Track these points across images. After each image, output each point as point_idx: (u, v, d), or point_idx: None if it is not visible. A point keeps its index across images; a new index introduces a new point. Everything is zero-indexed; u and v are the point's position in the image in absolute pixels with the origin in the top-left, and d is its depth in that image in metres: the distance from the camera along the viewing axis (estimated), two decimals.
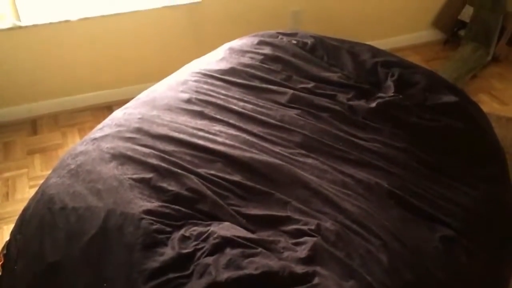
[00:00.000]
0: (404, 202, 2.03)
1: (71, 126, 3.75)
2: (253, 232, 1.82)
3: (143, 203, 1.84)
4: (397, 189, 2.07)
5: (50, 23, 3.57)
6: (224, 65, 2.73)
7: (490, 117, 2.63)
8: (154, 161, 2.03)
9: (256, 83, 2.61)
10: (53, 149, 3.54)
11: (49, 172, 2.17)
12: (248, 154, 2.11)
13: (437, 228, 1.96)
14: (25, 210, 2.03)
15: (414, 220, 1.97)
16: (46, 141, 3.62)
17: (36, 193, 2.06)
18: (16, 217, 2.06)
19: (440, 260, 1.84)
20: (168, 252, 1.68)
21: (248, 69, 2.69)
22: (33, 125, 3.78)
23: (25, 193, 3.14)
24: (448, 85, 2.68)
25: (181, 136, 2.17)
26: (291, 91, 2.57)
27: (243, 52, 2.87)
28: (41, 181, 2.14)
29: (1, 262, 1.97)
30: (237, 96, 2.49)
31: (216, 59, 2.82)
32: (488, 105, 3.76)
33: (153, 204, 1.84)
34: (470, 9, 4.48)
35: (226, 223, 1.82)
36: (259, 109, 2.41)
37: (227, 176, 2.01)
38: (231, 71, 2.68)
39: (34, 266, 1.83)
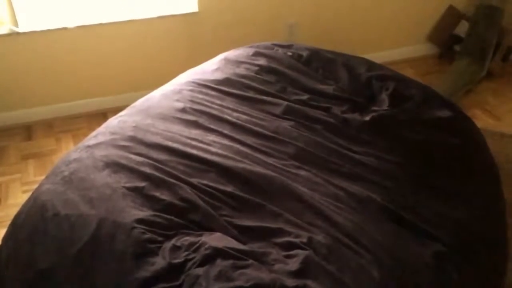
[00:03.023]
0: (396, 216, 2.03)
1: (66, 132, 3.75)
2: (244, 243, 1.81)
3: (135, 212, 1.83)
4: (389, 203, 2.07)
5: (48, 30, 3.58)
6: (219, 75, 2.73)
7: (484, 133, 2.63)
8: (147, 170, 2.03)
9: (251, 94, 2.61)
10: (47, 155, 3.53)
11: (42, 177, 2.16)
12: (241, 165, 2.10)
13: (429, 243, 1.96)
14: (17, 216, 2.02)
15: (406, 235, 1.97)
16: (40, 147, 3.61)
17: (29, 199, 2.05)
18: (9, 222, 2.05)
19: (431, 277, 1.83)
20: (159, 262, 1.67)
21: (243, 80, 2.70)
22: (27, 130, 3.78)
23: (18, 198, 3.12)
24: (443, 100, 2.68)
25: (175, 145, 2.17)
26: (286, 102, 2.57)
27: (238, 62, 2.87)
28: (35, 187, 2.13)
29: None
30: (231, 107, 2.50)
31: (211, 69, 2.82)
32: (482, 120, 3.77)
33: (145, 213, 1.83)
34: (466, 24, 4.50)
35: (218, 234, 1.81)
36: (253, 120, 2.42)
37: (220, 187, 2.01)
38: (226, 81, 2.68)
39: (24, 273, 1.81)
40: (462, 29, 4.53)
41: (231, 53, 3.01)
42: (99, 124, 2.46)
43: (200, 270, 1.65)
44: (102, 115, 3.88)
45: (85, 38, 3.70)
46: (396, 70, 2.94)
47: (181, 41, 3.97)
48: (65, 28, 3.61)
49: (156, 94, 2.61)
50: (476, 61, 4.29)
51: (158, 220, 1.82)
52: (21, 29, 3.52)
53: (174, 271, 1.66)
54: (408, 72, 4.00)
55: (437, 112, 2.58)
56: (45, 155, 3.53)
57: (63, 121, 3.87)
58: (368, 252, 1.82)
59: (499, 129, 3.67)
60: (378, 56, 4.26)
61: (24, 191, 3.18)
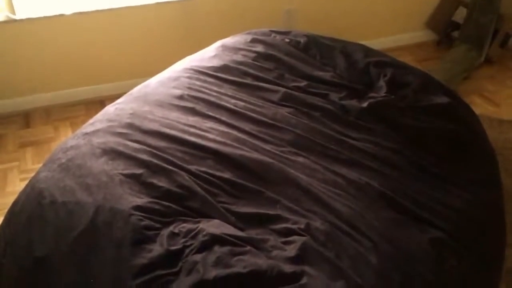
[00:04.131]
0: (394, 203, 2.02)
1: (64, 120, 3.74)
2: (242, 230, 1.81)
3: (132, 199, 1.83)
4: (388, 190, 2.07)
5: (45, 17, 3.56)
6: (216, 62, 2.72)
7: (482, 119, 2.63)
8: (145, 157, 2.02)
9: (249, 81, 2.61)
10: (45, 143, 3.52)
11: (40, 165, 2.16)
12: (239, 152, 2.10)
13: (428, 230, 1.95)
14: (14, 203, 2.02)
15: (405, 222, 1.96)
16: (38, 135, 3.60)
17: (26, 186, 2.05)
18: (6, 210, 2.05)
19: (429, 263, 1.82)
20: (156, 249, 1.68)
21: (240, 67, 2.69)
22: (25, 118, 3.77)
23: (16, 186, 3.12)
24: (441, 87, 2.68)
25: (173, 132, 2.17)
26: (284, 89, 2.57)
27: (236, 49, 2.87)
28: (32, 174, 2.13)
29: None
30: (229, 94, 2.49)
31: (209, 56, 2.81)
32: (480, 106, 3.77)
33: (142, 200, 1.83)
34: (464, 10, 4.48)
35: (216, 221, 1.81)
36: (251, 106, 2.41)
37: (218, 174, 2.01)
38: (224, 68, 2.68)
39: (21, 260, 1.81)
40: (460, 15, 4.51)
41: (229, 40, 3.00)
42: (97, 112, 2.45)
43: (198, 257, 1.65)
44: (100, 103, 3.87)
45: (82, 25, 3.68)
46: (394, 57, 2.93)
47: (178, 28, 3.95)
48: (62, 15, 3.59)
49: (154, 81, 2.61)
50: (474, 48, 4.29)
51: (156, 207, 1.82)
52: (18, 16, 3.50)
53: (172, 258, 1.66)
54: (406, 59, 3.99)
55: (435, 98, 2.57)
56: (43, 142, 3.53)
57: (61, 108, 3.85)
58: (367, 238, 1.82)
59: (497, 115, 3.67)
60: (376, 43, 4.25)
61: (22, 179, 3.17)
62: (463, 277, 1.87)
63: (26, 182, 2.15)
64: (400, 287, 1.71)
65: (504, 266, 2.13)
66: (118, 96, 2.59)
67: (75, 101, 3.92)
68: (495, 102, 3.88)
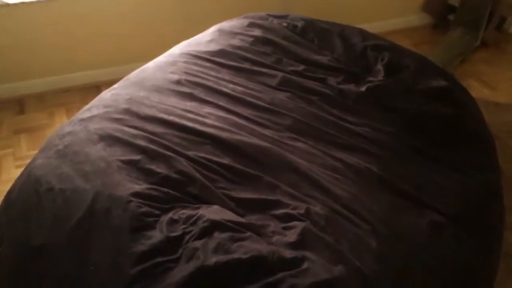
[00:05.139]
0: (393, 187, 2.03)
1: (59, 106, 3.71)
2: (242, 216, 1.81)
3: (131, 185, 1.82)
4: (386, 174, 2.07)
5: (38, 1, 3.52)
6: (214, 47, 2.71)
7: (479, 102, 2.63)
8: (142, 142, 2.01)
9: (246, 66, 2.59)
10: (40, 129, 3.50)
11: (35, 152, 2.14)
12: (237, 137, 2.09)
13: (426, 213, 1.96)
14: (10, 191, 2.00)
15: (403, 205, 1.97)
16: (33, 121, 3.58)
17: (22, 173, 2.03)
18: (1, 198, 2.03)
19: (428, 246, 1.83)
20: (156, 235, 1.67)
21: (238, 51, 2.68)
22: (20, 104, 3.74)
23: (11, 173, 3.10)
24: (438, 70, 2.68)
25: (170, 118, 2.16)
26: (281, 73, 2.56)
27: (233, 34, 2.85)
28: (28, 161, 2.11)
29: None
30: (227, 78, 2.48)
31: (205, 40, 2.80)
32: (477, 90, 3.76)
33: (141, 187, 1.82)
34: None
35: (215, 207, 1.81)
36: (249, 91, 2.40)
37: (217, 159, 2.00)
38: (221, 52, 2.66)
39: (19, 249, 1.80)
40: None
41: (226, 24, 2.98)
42: (93, 98, 2.43)
43: (198, 243, 1.64)
44: (96, 88, 3.84)
45: (76, 8, 3.64)
46: (391, 40, 2.92)
47: (174, 12, 3.93)
48: None
49: (150, 66, 2.59)
50: (470, 31, 4.28)
51: (155, 193, 1.81)
52: (10, 0, 3.46)
53: (171, 244, 1.65)
54: (403, 42, 3.95)
55: (432, 82, 2.57)
56: (38, 129, 3.51)
57: (55, 94, 3.83)
58: (366, 222, 1.83)
59: (494, 98, 3.67)
60: (372, 26, 4.21)
61: (17, 166, 3.16)
62: (463, 261, 1.87)
63: (21, 169, 2.13)
64: (399, 270, 1.72)
65: (503, 249, 2.13)
66: (114, 81, 2.57)
67: (70, 86, 3.90)
68: (492, 86, 3.88)
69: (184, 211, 1.77)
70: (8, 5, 3.45)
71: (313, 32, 2.92)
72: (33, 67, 3.76)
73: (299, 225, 1.76)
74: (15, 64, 3.69)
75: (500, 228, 2.13)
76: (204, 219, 1.71)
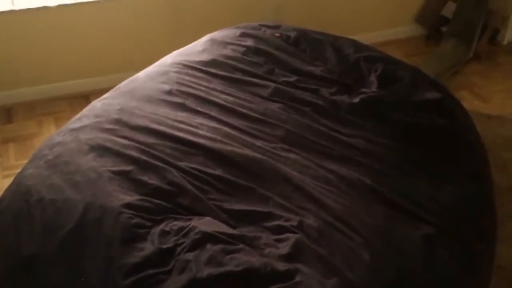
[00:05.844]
0: (386, 199, 2.02)
1: (47, 115, 3.68)
2: (234, 227, 1.80)
3: (122, 196, 1.81)
4: (379, 185, 2.06)
5: (28, 9, 3.50)
6: (205, 57, 2.70)
7: (471, 114, 2.64)
8: (133, 153, 2.00)
9: (238, 76, 2.59)
10: (28, 138, 3.46)
11: (24, 161, 2.13)
12: (229, 148, 2.08)
13: (419, 225, 1.95)
14: (0, 201, 1.98)
15: (396, 217, 1.96)
16: (21, 130, 3.55)
17: (12, 184, 2.02)
18: None
19: (421, 258, 1.83)
20: (148, 247, 1.66)
21: (230, 61, 2.67)
22: (7, 113, 3.70)
23: None
24: (431, 82, 2.69)
25: (162, 128, 2.15)
26: (274, 84, 2.56)
27: (225, 43, 2.84)
28: (16, 171, 2.10)
29: None
30: (218, 89, 2.47)
31: (197, 50, 2.79)
32: (469, 102, 3.76)
33: (132, 198, 1.81)
34: (453, 5, 4.48)
35: (207, 218, 1.80)
36: (241, 102, 2.39)
37: (208, 170, 1.99)
38: (213, 63, 2.65)
39: (9, 260, 1.79)
40: (449, 10, 4.51)
41: (217, 34, 2.98)
42: (82, 107, 2.41)
43: (190, 255, 1.63)
44: (85, 98, 3.81)
45: (66, 17, 3.63)
46: (384, 51, 2.92)
47: (165, 21, 3.92)
48: (46, 7, 3.53)
49: (141, 76, 2.58)
50: (463, 43, 4.28)
51: (146, 204, 1.80)
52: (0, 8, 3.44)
53: (163, 256, 1.65)
54: (395, 54, 3.96)
55: (425, 93, 2.58)
56: (26, 138, 3.47)
57: (44, 103, 3.79)
58: (359, 234, 1.82)
59: (486, 110, 3.68)
60: (365, 37, 4.22)
61: (5, 176, 3.12)
62: (455, 273, 1.87)
63: (9, 179, 2.11)
64: (392, 282, 1.72)
65: (495, 262, 2.13)
66: (104, 91, 2.56)
67: (59, 95, 3.86)
68: (484, 98, 3.89)
69: (175, 222, 1.75)
70: None
71: (305, 42, 2.92)
72: (21, 76, 3.72)
73: (291, 237, 1.75)
74: (4, 72, 3.66)
75: (492, 241, 2.13)
76: (196, 231, 1.70)
